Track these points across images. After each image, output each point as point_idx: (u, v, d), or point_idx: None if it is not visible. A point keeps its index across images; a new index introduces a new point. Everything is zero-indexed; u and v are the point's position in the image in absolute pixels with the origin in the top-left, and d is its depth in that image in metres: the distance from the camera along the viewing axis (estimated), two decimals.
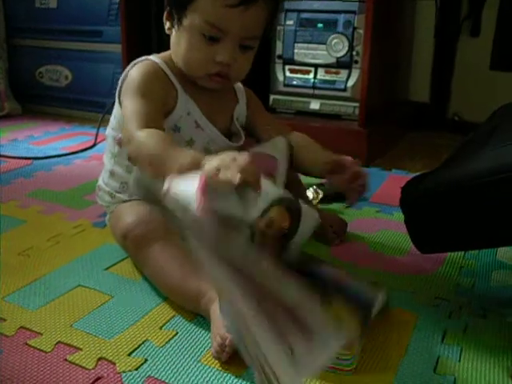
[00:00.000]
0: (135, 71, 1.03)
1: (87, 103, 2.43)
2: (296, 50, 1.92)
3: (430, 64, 2.26)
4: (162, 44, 2.04)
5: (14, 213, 1.37)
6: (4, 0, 2.59)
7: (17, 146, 2.02)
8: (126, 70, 1.06)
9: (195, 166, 0.72)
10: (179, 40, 1.01)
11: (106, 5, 2.30)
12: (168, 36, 1.06)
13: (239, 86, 1.16)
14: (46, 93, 2.59)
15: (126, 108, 0.98)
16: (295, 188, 1.08)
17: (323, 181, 1.57)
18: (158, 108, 0.99)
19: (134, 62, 1.07)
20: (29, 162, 1.80)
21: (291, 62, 1.95)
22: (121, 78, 1.06)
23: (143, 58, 1.07)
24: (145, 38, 2.14)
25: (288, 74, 1.96)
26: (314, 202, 1.38)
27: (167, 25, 1.03)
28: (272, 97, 2.00)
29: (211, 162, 0.69)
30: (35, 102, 2.63)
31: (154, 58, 1.06)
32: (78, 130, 2.26)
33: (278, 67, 1.97)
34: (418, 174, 1.60)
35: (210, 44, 0.97)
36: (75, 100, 2.48)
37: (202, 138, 1.06)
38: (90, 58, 2.41)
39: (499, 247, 1.15)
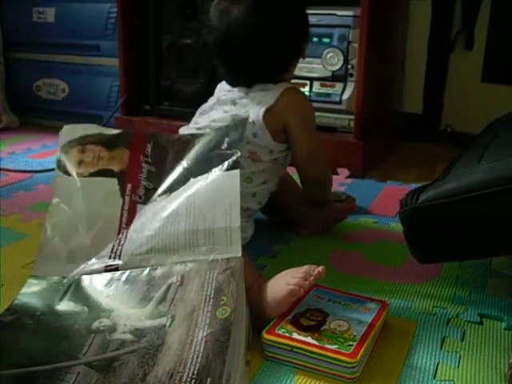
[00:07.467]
0: (305, 103, 1.21)
1: (84, 116, 2.43)
2: None
3: (423, 76, 2.30)
4: (160, 58, 2.09)
5: (16, 226, 1.38)
6: (1, 14, 2.61)
7: (15, 158, 2.03)
8: (277, 93, 1.15)
9: None
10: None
11: (104, 19, 2.33)
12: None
13: None
14: (44, 106, 2.61)
15: (313, 140, 1.20)
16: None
17: None
18: None
19: (285, 87, 1.17)
20: (29, 175, 1.82)
21: None
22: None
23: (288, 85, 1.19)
24: (142, 51, 2.17)
25: None
26: None
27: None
28: None
29: None
30: (33, 115, 2.64)
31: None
32: None
33: None
34: (412, 185, 1.69)
35: None
36: (72, 113, 2.50)
37: None
38: (87, 71, 2.43)
39: (494, 257, 1.18)
